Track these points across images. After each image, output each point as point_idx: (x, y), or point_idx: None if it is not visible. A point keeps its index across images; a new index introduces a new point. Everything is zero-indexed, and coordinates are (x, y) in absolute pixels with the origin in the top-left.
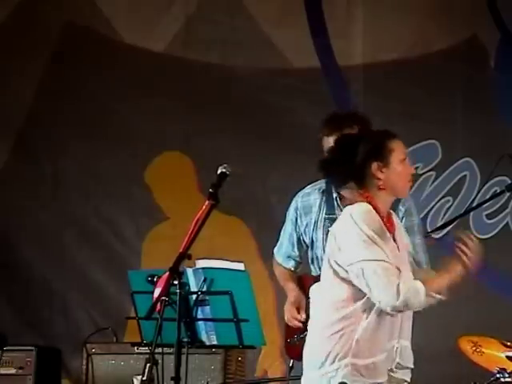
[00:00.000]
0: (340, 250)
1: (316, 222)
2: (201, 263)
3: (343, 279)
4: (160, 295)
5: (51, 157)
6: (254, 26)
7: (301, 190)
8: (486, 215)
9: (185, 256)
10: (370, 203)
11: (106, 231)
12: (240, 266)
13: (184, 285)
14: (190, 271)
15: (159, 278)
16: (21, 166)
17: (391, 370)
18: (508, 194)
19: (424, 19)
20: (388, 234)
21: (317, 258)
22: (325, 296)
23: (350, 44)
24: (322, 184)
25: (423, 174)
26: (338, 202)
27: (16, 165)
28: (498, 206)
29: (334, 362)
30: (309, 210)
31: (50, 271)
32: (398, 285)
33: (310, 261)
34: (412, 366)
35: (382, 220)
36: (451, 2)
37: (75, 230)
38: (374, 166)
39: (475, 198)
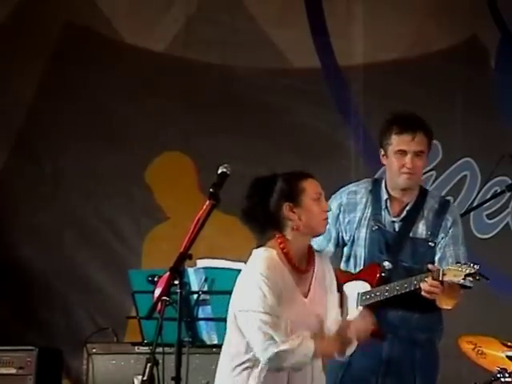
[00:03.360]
0: (237, 294)
1: (360, 220)
2: (201, 263)
3: (238, 326)
4: (161, 295)
5: (51, 157)
6: (255, 26)
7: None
8: (487, 215)
9: (185, 256)
10: (280, 246)
11: (106, 231)
12: (240, 266)
13: (185, 284)
14: (190, 271)
15: (160, 277)
16: (21, 165)
17: None
18: (508, 194)
19: (424, 19)
20: (293, 283)
21: (355, 256)
22: (225, 344)
23: (350, 44)
24: (368, 184)
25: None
26: (388, 204)
27: (16, 165)
28: (498, 205)
29: None
30: (353, 208)
31: (49, 271)
32: (272, 342)
33: (344, 258)
34: None
35: (291, 263)
36: (451, 1)
37: (75, 230)
38: (286, 206)
39: (475, 197)
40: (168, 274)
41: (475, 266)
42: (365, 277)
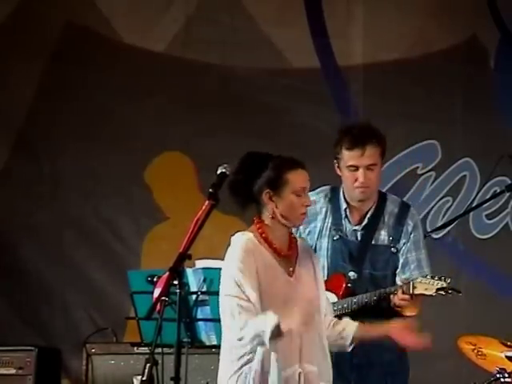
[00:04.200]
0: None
1: (321, 231)
2: (200, 263)
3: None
4: (160, 295)
5: (50, 157)
6: (254, 26)
7: None
8: (486, 215)
9: (185, 256)
10: (259, 231)
11: (105, 231)
12: None
13: (184, 285)
14: (189, 271)
15: (159, 278)
16: (20, 165)
17: None
18: (508, 194)
19: (424, 19)
20: (275, 262)
21: None
22: (223, 336)
23: (349, 44)
24: (326, 192)
25: (423, 174)
26: (347, 212)
27: (16, 165)
28: (497, 206)
29: None
30: (313, 218)
31: (49, 271)
32: (241, 327)
33: None
34: None
35: (271, 247)
36: (452, 1)
37: (74, 230)
38: (266, 193)
39: (475, 198)
40: (167, 274)
41: (447, 280)
42: (331, 287)
